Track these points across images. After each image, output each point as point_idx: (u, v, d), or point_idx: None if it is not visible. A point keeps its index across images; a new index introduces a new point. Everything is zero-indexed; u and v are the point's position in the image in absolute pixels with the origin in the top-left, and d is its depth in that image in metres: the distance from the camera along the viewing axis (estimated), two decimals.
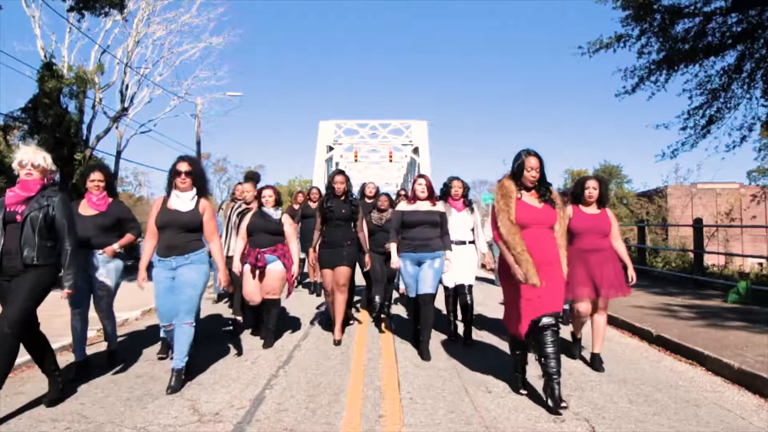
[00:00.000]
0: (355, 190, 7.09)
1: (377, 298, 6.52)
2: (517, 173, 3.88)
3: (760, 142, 14.01)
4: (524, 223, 3.78)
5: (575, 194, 4.82)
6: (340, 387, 4.17)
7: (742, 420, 3.52)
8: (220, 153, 58.77)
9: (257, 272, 5.40)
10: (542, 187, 3.91)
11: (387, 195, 7.09)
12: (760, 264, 17.76)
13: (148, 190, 44.88)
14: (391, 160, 29.10)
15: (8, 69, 31.67)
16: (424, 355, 4.99)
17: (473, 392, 4.04)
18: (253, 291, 5.41)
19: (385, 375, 4.51)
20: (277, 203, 5.58)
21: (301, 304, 8.14)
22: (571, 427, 3.36)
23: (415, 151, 27.99)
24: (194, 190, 4.28)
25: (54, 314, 6.03)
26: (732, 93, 12.05)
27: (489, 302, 8.26)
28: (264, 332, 5.59)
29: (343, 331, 5.82)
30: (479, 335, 5.99)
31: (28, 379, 4.41)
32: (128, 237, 4.71)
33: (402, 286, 8.34)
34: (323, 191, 6.72)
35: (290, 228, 5.55)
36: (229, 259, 5.74)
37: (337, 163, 29.19)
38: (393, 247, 5.27)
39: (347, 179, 5.76)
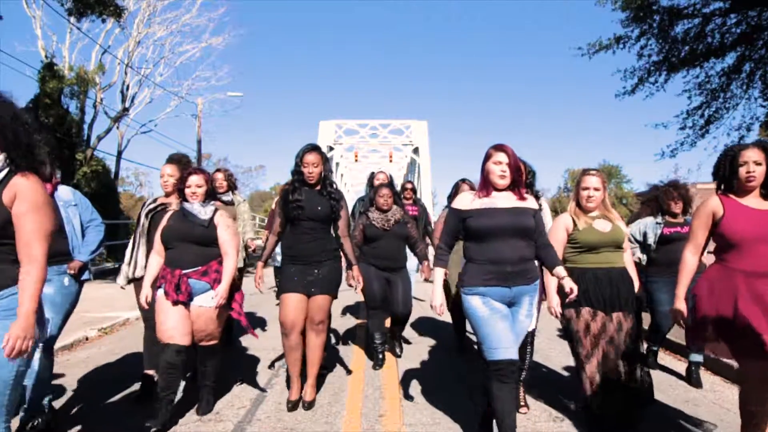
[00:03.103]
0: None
1: (377, 336, 4.78)
2: None
3: None
4: None
5: (723, 177, 2.80)
6: (341, 386, 4.19)
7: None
8: (220, 153, 58.82)
9: (178, 306, 3.43)
10: None
11: (389, 187, 4.96)
12: None
13: (149, 191, 44.87)
14: (391, 161, 29.09)
15: (9, 69, 31.80)
16: None
17: (474, 392, 4.05)
18: (173, 327, 3.41)
19: (385, 375, 4.52)
20: (210, 196, 3.60)
21: None
22: (570, 427, 3.38)
23: (416, 151, 28.02)
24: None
25: None
26: (731, 93, 12.11)
27: None
28: (200, 391, 3.66)
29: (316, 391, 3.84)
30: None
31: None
32: None
33: (416, 276, 5.92)
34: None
35: (227, 233, 3.51)
36: (138, 283, 3.85)
37: (337, 164, 29.22)
38: (438, 276, 2.97)
39: (324, 159, 3.75)
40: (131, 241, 4.06)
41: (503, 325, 2.76)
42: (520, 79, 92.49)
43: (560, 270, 2.94)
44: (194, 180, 3.54)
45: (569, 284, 2.87)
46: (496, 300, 2.80)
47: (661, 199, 4.37)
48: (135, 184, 44.92)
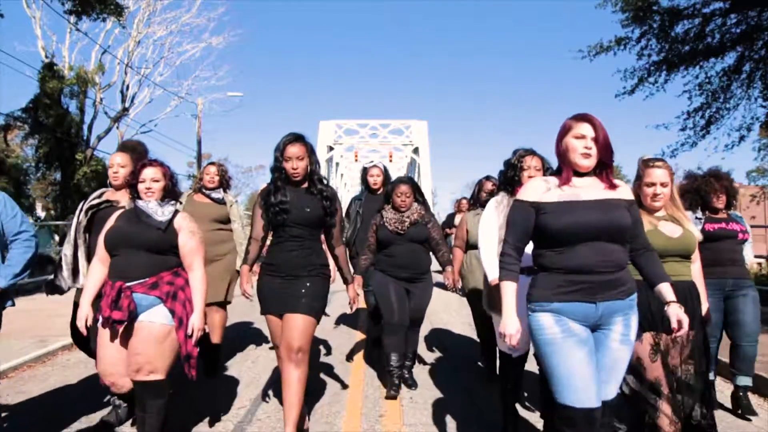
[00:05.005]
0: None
1: (393, 358, 3.93)
2: None
3: (759, 143, 14.07)
4: None
5: None
6: (341, 386, 4.19)
7: (741, 420, 3.53)
8: (220, 153, 58.87)
9: (120, 329, 2.71)
10: None
11: (409, 182, 4.15)
12: (760, 264, 17.81)
13: None
14: (391, 161, 29.11)
15: (9, 69, 31.78)
16: None
17: (474, 392, 4.05)
18: (111, 363, 2.76)
19: (385, 374, 4.51)
20: (171, 195, 2.91)
21: None
22: None
23: (416, 151, 28.05)
24: None
25: (55, 314, 6.05)
26: (731, 94, 12.12)
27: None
28: None
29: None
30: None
31: (29, 379, 4.42)
32: None
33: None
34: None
35: (193, 240, 2.85)
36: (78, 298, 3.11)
37: (337, 164, 29.27)
38: (509, 292, 2.14)
39: (310, 151, 3.09)
40: (69, 242, 3.41)
41: (581, 356, 2.05)
42: (521, 80, 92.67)
43: (667, 289, 2.19)
44: (149, 173, 2.84)
45: (676, 313, 2.13)
46: (577, 321, 2.09)
47: (702, 190, 3.73)
48: None
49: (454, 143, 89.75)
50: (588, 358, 2.06)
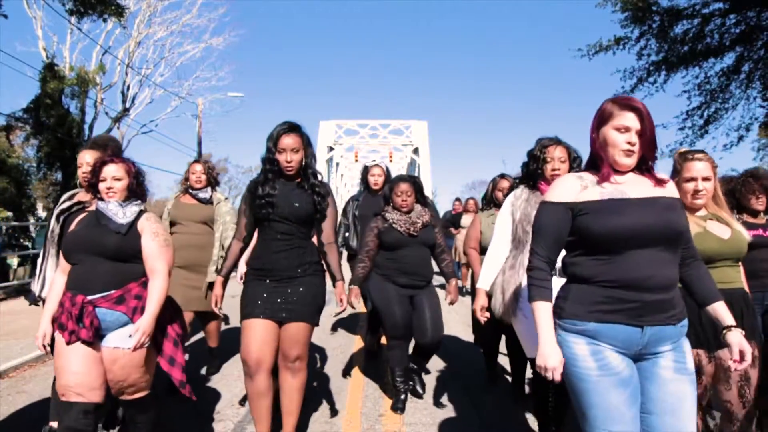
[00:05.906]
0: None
1: (399, 373, 3.70)
2: None
3: (758, 142, 14.10)
4: None
5: None
6: (341, 386, 4.19)
7: None
8: (221, 153, 58.87)
9: (83, 346, 2.41)
10: None
11: (410, 181, 3.81)
12: None
13: (150, 191, 44.77)
14: (391, 161, 29.11)
15: (10, 69, 31.74)
16: None
17: (473, 392, 4.07)
18: (77, 380, 2.37)
19: (386, 374, 4.53)
20: (135, 194, 2.61)
21: None
22: (570, 428, 3.39)
23: (416, 151, 28.05)
24: None
25: None
26: (730, 94, 12.16)
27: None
28: None
29: None
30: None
31: (30, 379, 4.44)
32: None
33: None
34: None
35: (155, 242, 2.53)
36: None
37: (337, 164, 29.29)
38: (544, 314, 1.78)
39: (306, 143, 2.84)
40: (42, 250, 3.08)
41: (621, 399, 1.70)
42: (521, 79, 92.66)
43: (724, 311, 1.83)
44: (110, 171, 2.54)
45: (739, 342, 1.77)
46: (617, 348, 1.73)
47: (739, 192, 3.31)
48: None
49: (454, 143, 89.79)
50: (630, 401, 1.72)
